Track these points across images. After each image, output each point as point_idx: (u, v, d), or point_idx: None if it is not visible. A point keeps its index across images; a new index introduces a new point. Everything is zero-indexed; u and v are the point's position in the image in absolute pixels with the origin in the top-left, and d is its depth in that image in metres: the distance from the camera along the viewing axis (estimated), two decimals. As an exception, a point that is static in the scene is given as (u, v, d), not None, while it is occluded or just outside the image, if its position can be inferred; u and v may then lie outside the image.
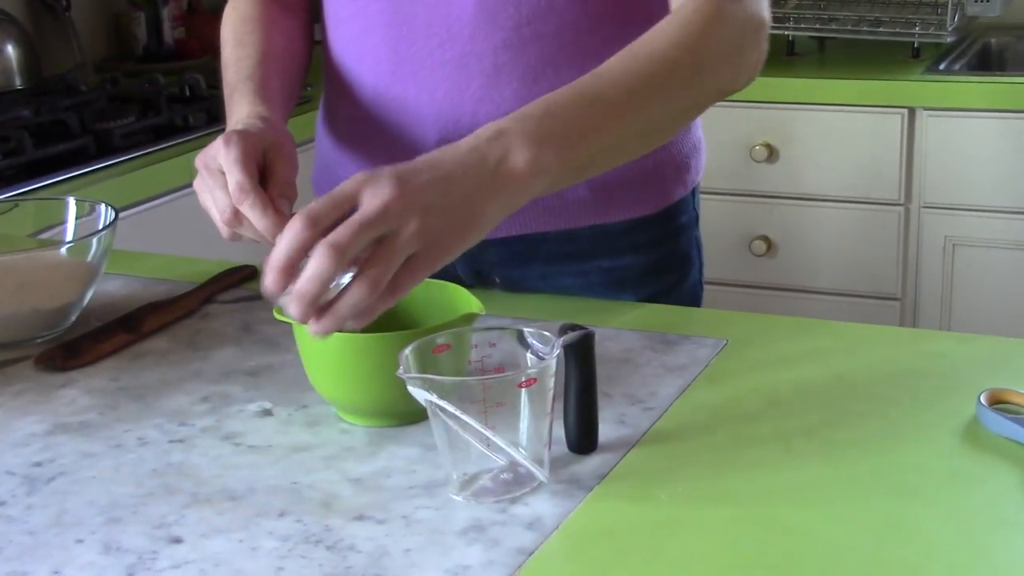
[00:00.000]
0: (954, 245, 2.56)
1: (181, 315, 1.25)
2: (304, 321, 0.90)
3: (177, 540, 0.85)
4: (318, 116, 1.40)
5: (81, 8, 2.73)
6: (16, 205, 1.40)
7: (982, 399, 0.97)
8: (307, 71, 1.32)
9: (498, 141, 0.95)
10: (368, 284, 0.88)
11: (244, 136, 1.04)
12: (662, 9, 1.15)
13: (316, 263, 0.87)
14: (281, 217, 1.00)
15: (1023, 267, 2.52)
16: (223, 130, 1.10)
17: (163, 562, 0.82)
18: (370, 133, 1.29)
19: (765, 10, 1.12)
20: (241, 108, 1.16)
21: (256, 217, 1.01)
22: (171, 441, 0.99)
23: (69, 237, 1.30)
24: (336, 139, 1.34)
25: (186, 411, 1.05)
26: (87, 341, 1.17)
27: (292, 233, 0.88)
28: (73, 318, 1.23)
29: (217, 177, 1.03)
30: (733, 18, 1.08)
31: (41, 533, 0.86)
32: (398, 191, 0.89)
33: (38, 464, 0.96)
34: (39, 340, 1.20)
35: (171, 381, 1.10)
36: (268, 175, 1.05)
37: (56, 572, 0.82)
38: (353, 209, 0.89)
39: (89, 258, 1.21)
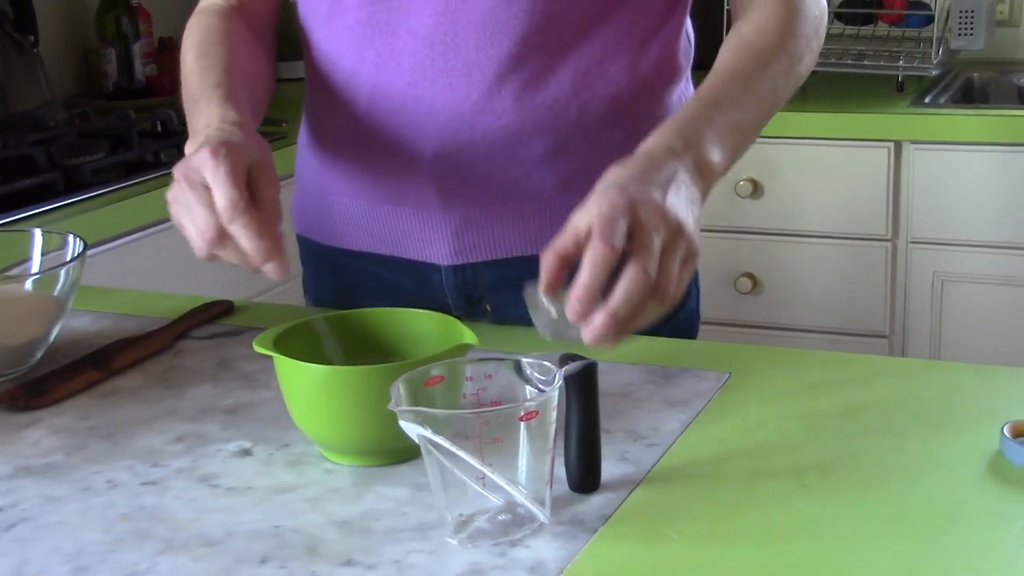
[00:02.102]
0: (943, 281, 2.52)
1: (154, 351, 1.19)
2: (585, 316, 0.86)
3: (150, 590, 0.78)
4: (299, 144, 1.34)
5: (49, 44, 2.67)
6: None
7: (1005, 431, 0.91)
8: (270, 94, 1.27)
9: (684, 145, 1.00)
10: (638, 270, 0.87)
11: (232, 150, 0.98)
12: (660, 11, 1.17)
13: (592, 254, 0.87)
14: (274, 241, 0.95)
15: (1013, 302, 2.48)
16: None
17: (134, 614, 0.76)
18: (361, 149, 1.24)
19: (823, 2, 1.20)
20: (211, 112, 1.09)
21: (249, 239, 0.95)
22: (143, 483, 0.93)
23: (35, 270, 1.24)
24: (324, 161, 1.29)
25: (159, 451, 0.98)
26: (54, 379, 1.11)
27: (599, 255, 0.87)
28: (39, 355, 1.16)
29: (200, 192, 0.97)
30: (806, 11, 1.16)
31: (1, 584, 0.80)
32: (654, 196, 0.91)
33: (-1, 509, 0.90)
34: (2, 378, 1.13)
35: (143, 420, 1.04)
36: (253, 193, 0.99)
37: (17, 626, 0.75)
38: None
39: (56, 292, 1.15)
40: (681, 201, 0.94)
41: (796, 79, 1.15)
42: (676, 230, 0.91)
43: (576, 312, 0.86)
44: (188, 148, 1.07)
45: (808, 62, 1.17)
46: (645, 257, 0.88)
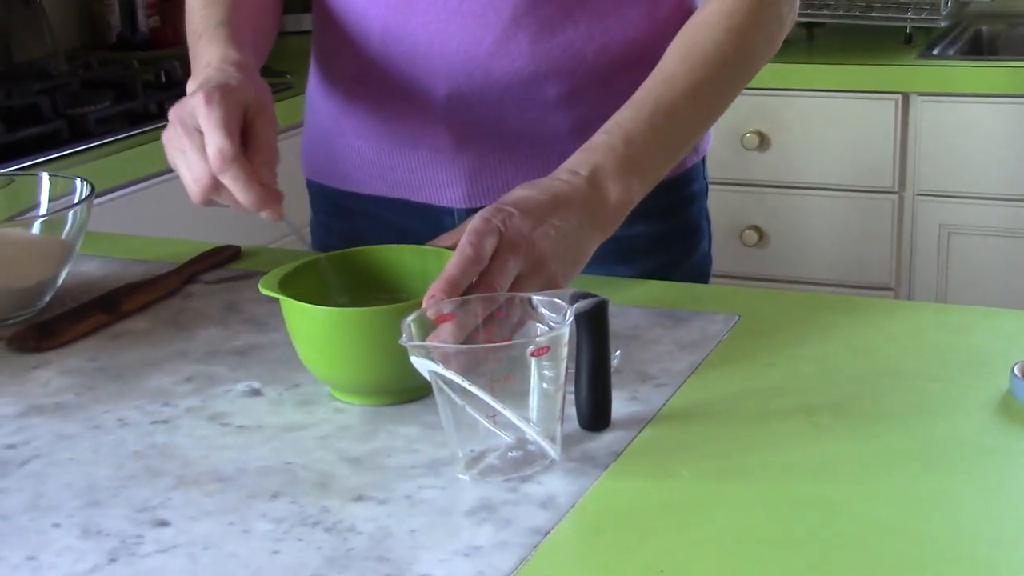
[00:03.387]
0: (949, 233, 2.51)
1: (162, 295, 1.18)
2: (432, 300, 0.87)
3: (163, 523, 0.78)
4: (308, 88, 1.34)
5: (53, -5, 2.66)
6: (12, 180, 1.32)
7: (1016, 371, 0.91)
8: (275, 34, 1.25)
9: (594, 181, 1.00)
10: (485, 285, 0.89)
11: (226, 93, 0.97)
12: None
13: (458, 251, 0.89)
14: (265, 189, 0.95)
15: (1019, 255, 2.48)
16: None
17: (148, 546, 0.75)
18: (373, 92, 1.23)
19: None
20: (213, 51, 1.09)
21: (239, 190, 0.95)
22: (154, 422, 0.93)
23: (43, 213, 1.23)
24: (335, 105, 1.28)
25: (169, 391, 0.98)
26: (62, 321, 1.10)
27: (464, 254, 0.88)
28: (47, 298, 1.16)
29: (194, 136, 0.97)
30: None
31: (15, 517, 0.80)
32: (528, 230, 0.93)
33: (11, 447, 0.90)
34: (10, 321, 1.13)
35: (152, 361, 1.04)
36: (249, 136, 0.98)
37: (32, 558, 0.75)
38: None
39: (64, 235, 1.15)
40: (559, 238, 0.95)
41: (751, 74, 1.13)
42: (536, 264, 0.93)
43: (428, 296, 0.86)
44: (189, 87, 1.06)
45: (771, 53, 1.14)
46: (494, 276, 0.90)
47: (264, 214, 0.97)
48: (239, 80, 1.02)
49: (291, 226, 1.04)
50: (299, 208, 1.32)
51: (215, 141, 0.95)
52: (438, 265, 0.99)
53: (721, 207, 2.62)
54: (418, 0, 1.17)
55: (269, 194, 0.96)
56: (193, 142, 0.97)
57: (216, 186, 0.96)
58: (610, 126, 1.04)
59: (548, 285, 0.93)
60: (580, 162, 1.02)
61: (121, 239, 1.40)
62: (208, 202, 0.99)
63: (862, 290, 2.58)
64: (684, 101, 1.06)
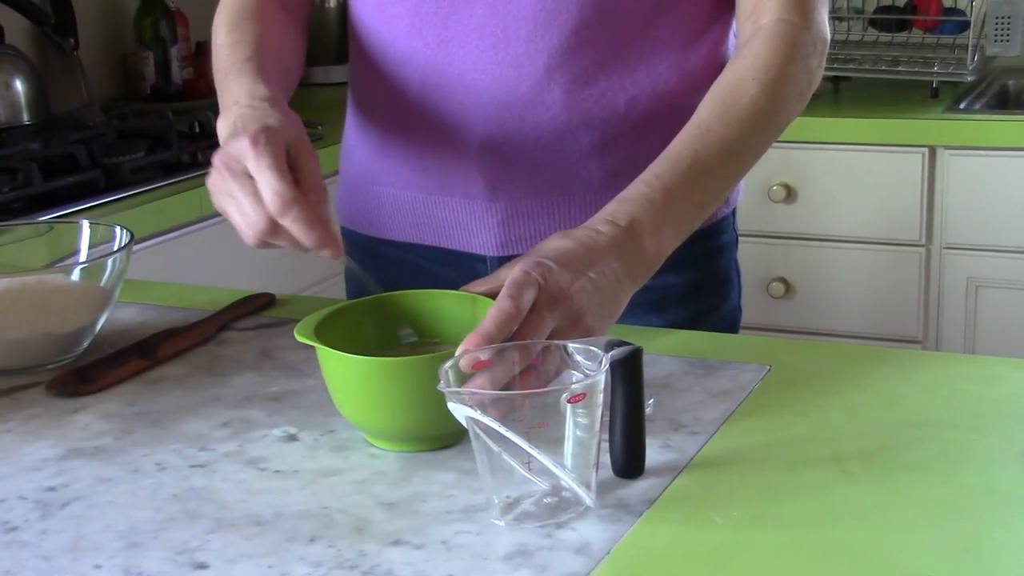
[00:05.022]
0: (977, 286, 2.51)
1: (197, 342, 1.20)
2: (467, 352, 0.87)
3: (202, 566, 0.79)
4: (345, 138, 1.35)
5: (89, 47, 2.70)
6: (51, 228, 1.34)
7: (1047, 422, 0.92)
8: (301, 72, 1.27)
9: (631, 232, 1.01)
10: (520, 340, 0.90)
11: (271, 135, 0.98)
12: (709, 11, 1.16)
13: (497, 306, 0.90)
14: (325, 226, 0.96)
15: (1047, 309, 2.47)
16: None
17: (188, 588, 0.77)
18: (409, 140, 1.25)
19: (826, 26, 1.16)
20: (240, 86, 1.09)
21: (301, 231, 0.96)
22: (192, 466, 0.94)
23: (83, 260, 1.25)
24: (371, 152, 1.30)
25: (206, 436, 0.99)
26: (101, 367, 1.12)
27: (503, 309, 0.89)
28: (86, 344, 1.18)
29: (243, 181, 0.98)
30: (807, 51, 1.13)
31: (57, 558, 0.81)
32: (567, 284, 0.94)
33: (52, 489, 0.91)
34: (51, 366, 1.15)
35: (189, 406, 1.05)
36: (296, 174, 0.99)
37: (74, 598, 0.76)
38: None
39: (103, 282, 1.16)
40: (595, 291, 0.96)
41: (782, 128, 1.15)
42: (574, 318, 0.94)
43: (463, 350, 0.87)
44: (219, 124, 1.07)
45: (802, 105, 1.16)
46: (531, 330, 0.91)
47: (324, 253, 0.97)
48: (277, 119, 1.02)
49: (350, 262, 1.05)
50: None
51: (271, 184, 0.95)
52: (473, 310, 1.00)
53: (748, 259, 2.61)
54: (456, 50, 1.19)
55: (329, 233, 0.97)
56: (243, 187, 0.97)
57: (273, 229, 0.97)
58: (648, 177, 1.05)
59: (584, 337, 0.94)
60: (618, 213, 1.03)
61: (157, 286, 1.42)
62: (263, 245, 0.99)
63: (889, 342, 2.58)
64: (720, 155, 1.08)
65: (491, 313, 0.89)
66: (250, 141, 0.97)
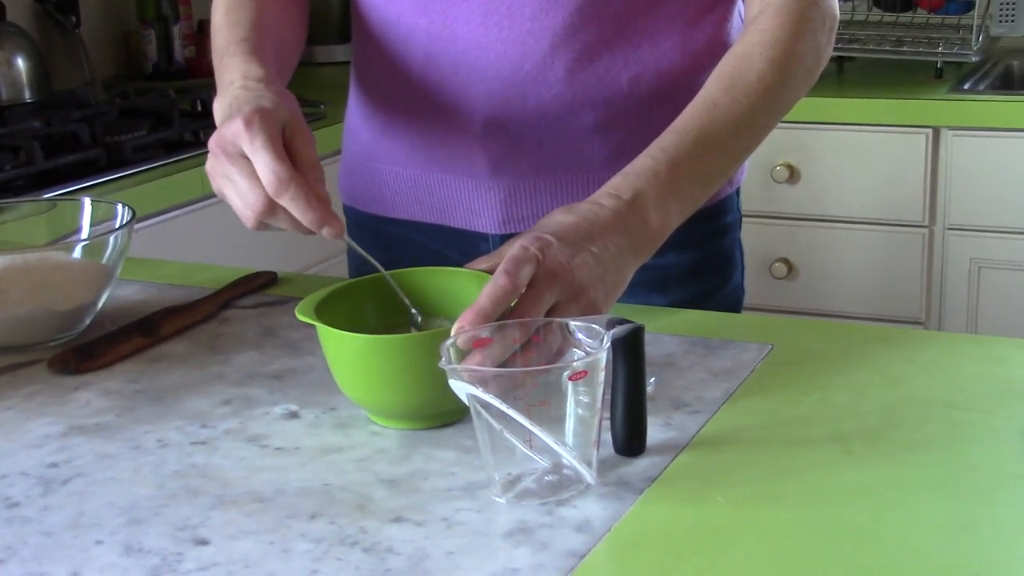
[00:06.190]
0: (979, 267, 2.51)
1: (199, 319, 1.20)
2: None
3: (203, 542, 0.79)
4: (348, 116, 1.35)
5: (91, 26, 2.70)
6: (53, 206, 1.34)
7: (1050, 401, 0.92)
8: (299, 52, 1.26)
9: (636, 205, 1.00)
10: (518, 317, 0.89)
11: (265, 116, 0.97)
12: None
13: (492, 284, 0.89)
14: (324, 205, 0.95)
15: (1050, 290, 2.47)
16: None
17: (189, 564, 0.77)
18: (412, 118, 1.24)
19: (836, 3, 1.16)
20: (234, 67, 1.08)
21: (299, 210, 0.95)
22: (193, 443, 0.94)
23: (84, 238, 1.25)
24: (374, 130, 1.29)
25: (208, 413, 0.99)
26: (102, 344, 1.12)
27: (498, 287, 0.89)
28: (87, 321, 1.18)
29: (240, 163, 0.97)
30: (815, 27, 1.12)
31: (59, 534, 0.81)
32: (567, 258, 0.93)
33: (53, 465, 0.91)
34: (52, 343, 1.15)
35: (191, 384, 1.05)
36: (291, 154, 0.98)
37: (75, 573, 0.76)
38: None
39: (105, 259, 1.16)
40: (597, 265, 0.96)
41: (790, 105, 1.14)
42: (575, 293, 0.94)
43: (458, 327, 0.86)
44: (215, 104, 1.06)
45: (810, 82, 1.15)
46: (529, 306, 0.90)
47: (324, 231, 0.96)
48: (271, 100, 1.01)
49: (350, 242, 1.04)
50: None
51: (268, 164, 0.94)
52: (475, 287, 1.00)
53: (751, 239, 2.61)
54: (460, 27, 1.18)
55: (328, 211, 0.96)
56: (240, 168, 0.97)
57: (271, 209, 0.96)
58: (653, 151, 1.05)
59: (587, 312, 0.94)
60: (623, 185, 1.02)
61: (159, 264, 1.42)
62: (261, 226, 0.99)
63: (892, 323, 2.58)
64: (727, 130, 1.07)
65: (486, 289, 0.88)
66: (244, 122, 0.96)
